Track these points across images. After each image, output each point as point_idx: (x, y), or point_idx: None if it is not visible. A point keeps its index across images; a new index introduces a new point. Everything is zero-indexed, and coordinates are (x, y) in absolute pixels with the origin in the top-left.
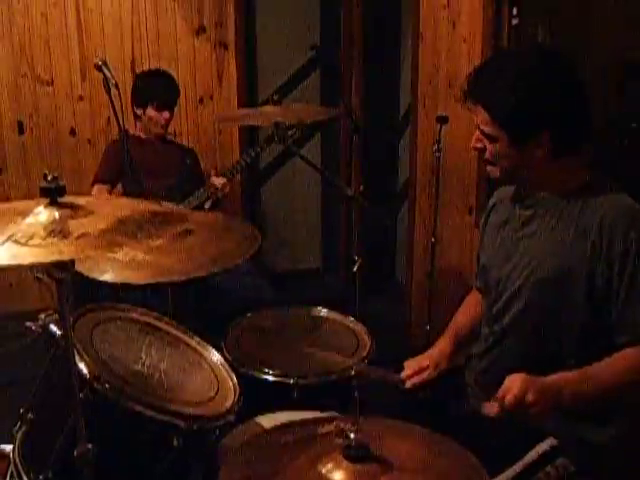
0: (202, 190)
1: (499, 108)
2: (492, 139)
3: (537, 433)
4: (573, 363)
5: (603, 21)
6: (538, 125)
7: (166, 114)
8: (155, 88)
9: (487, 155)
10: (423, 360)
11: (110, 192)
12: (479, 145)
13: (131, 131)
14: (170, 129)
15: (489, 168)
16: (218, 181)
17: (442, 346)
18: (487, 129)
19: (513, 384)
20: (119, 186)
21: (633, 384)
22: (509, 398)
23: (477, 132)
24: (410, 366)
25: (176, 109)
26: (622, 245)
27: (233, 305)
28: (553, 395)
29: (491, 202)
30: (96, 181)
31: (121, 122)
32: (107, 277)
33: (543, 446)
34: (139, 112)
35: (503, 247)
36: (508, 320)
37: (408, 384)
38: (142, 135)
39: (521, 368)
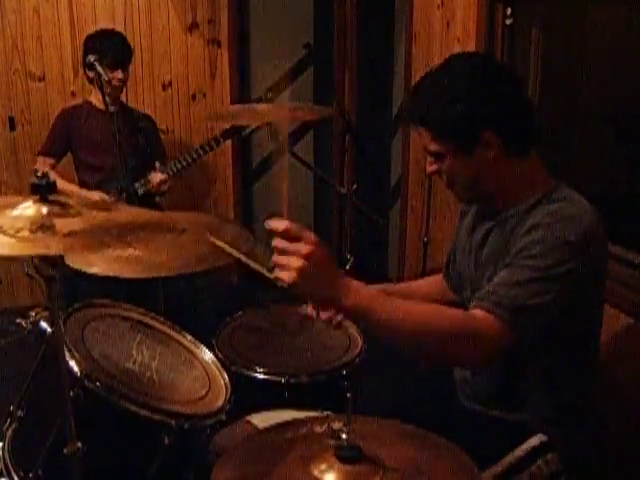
0: (141, 182)
1: (435, 120)
2: (441, 156)
3: (527, 430)
4: (547, 361)
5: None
6: (477, 124)
7: (119, 73)
8: (105, 47)
9: (444, 178)
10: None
11: (54, 167)
12: (433, 168)
13: (88, 99)
14: (162, 125)
15: (453, 192)
16: (156, 178)
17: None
18: (433, 147)
19: (313, 257)
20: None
21: (421, 336)
22: (296, 265)
23: (428, 157)
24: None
25: (168, 105)
26: (525, 242)
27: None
28: (340, 298)
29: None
30: (41, 153)
31: (114, 118)
32: (95, 270)
33: (533, 441)
34: (91, 75)
35: (470, 257)
36: None
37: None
38: (97, 103)
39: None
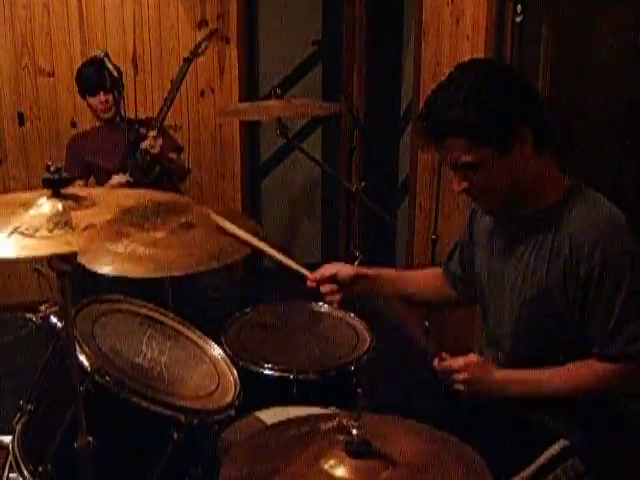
0: (138, 153)
1: (469, 126)
2: (476, 166)
3: (544, 431)
4: (572, 359)
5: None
6: (512, 119)
7: (101, 97)
8: (84, 78)
9: (476, 192)
10: (349, 270)
11: (85, 185)
12: (464, 185)
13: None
14: (171, 121)
15: (484, 203)
16: (145, 143)
17: (366, 273)
18: (468, 158)
19: (469, 368)
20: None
21: (583, 393)
22: (460, 378)
23: (456, 173)
24: (331, 268)
25: (177, 102)
26: (588, 265)
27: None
28: (497, 390)
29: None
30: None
31: (122, 113)
32: (107, 270)
33: (555, 448)
34: (86, 104)
35: (493, 262)
36: (507, 347)
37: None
38: (97, 123)
39: None
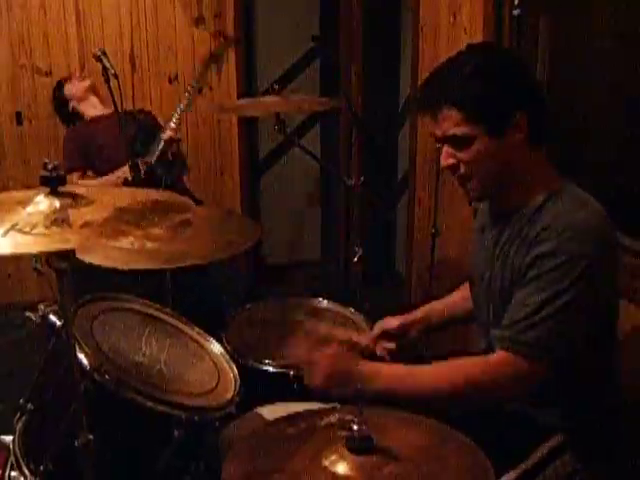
0: (156, 146)
1: (469, 98)
2: (467, 141)
3: (543, 427)
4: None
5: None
6: (512, 104)
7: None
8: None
9: (463, 169)
10: (393, 321)
11: (82, 177)
12: (451, 161)
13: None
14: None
15: (468, 186)
16: (168, 133)
17: (415, 317)
18: (460, 130)
19: (329, 358)
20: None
21: (464, 390)
22: (321, 366)
23: (445, 147)
24: (379, 326)
25: (175, 99)
26: (540, 248)
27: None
28: (362, 382)
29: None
30: (66, 172)
31: (120, 111)
32: (119, 264)
33: (551, 443)
34: (72, 105)
35: (480, 257)
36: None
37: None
38: (94, 111)
39: None
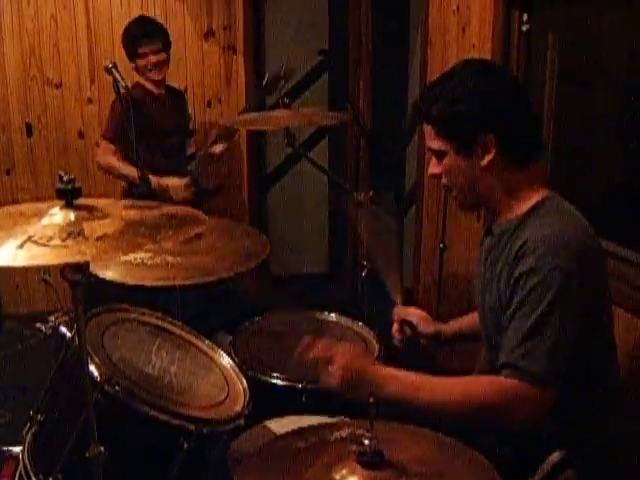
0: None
1: (439, 117)
2: (441, 155)
3: (548, 441)
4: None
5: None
6: (478, 126)
7: (162, 55)
8: (138, 28)
9: (443, 180)
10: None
11: (116, 153)
12: (435, 171)
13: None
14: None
15: (452, 196)
16: (217, 149)
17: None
18: (434, 144)
19: (348, 355)
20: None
21: (470, 408)
22: (338, 364)
23: (432, 158)
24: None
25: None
26: (522, 267)
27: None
28: (375, 386)
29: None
30: (105, 137)
31: (132, 124)
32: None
33: (553, 458)
34: (137, 63)
35: (478, 273)
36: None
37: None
38: (149, 86)
39: None
